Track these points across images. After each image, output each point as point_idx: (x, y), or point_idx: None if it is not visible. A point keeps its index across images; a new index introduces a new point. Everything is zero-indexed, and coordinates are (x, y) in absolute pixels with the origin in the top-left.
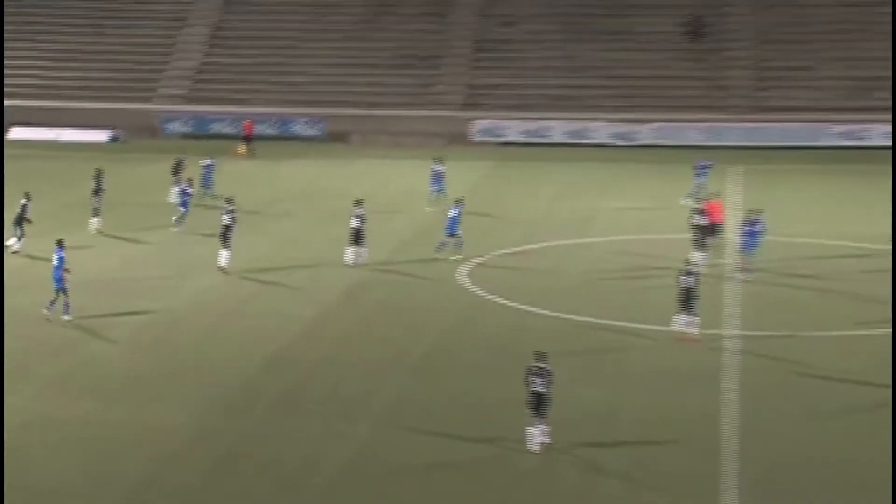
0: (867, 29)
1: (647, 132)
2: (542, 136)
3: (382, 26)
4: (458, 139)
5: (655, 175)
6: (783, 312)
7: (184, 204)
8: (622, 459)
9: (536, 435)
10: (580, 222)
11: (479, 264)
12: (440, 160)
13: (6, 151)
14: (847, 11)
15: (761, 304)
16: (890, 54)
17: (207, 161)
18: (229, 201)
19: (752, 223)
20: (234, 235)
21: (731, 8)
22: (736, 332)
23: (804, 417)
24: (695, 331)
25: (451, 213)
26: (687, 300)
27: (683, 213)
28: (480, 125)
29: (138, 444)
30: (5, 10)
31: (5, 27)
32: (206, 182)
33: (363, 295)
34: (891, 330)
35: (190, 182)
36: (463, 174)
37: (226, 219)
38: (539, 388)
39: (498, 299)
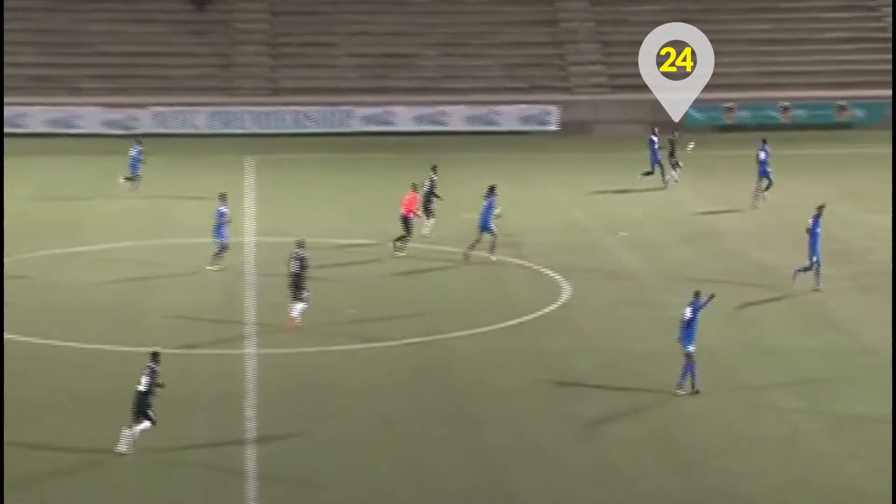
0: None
1: (146, 118)
2: (18, 126)
3: None
4: None
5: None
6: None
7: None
8: None
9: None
10: (66, 227)
11: None
12: None
13: None
14: None
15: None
16: (412, 29)
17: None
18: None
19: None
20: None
21: None
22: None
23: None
24: (297, 315)
25: None
26: (295, 286)
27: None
28: None
29: None
30: None
31: None
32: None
33: None
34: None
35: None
36: None
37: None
38: (142, 387)
39: None
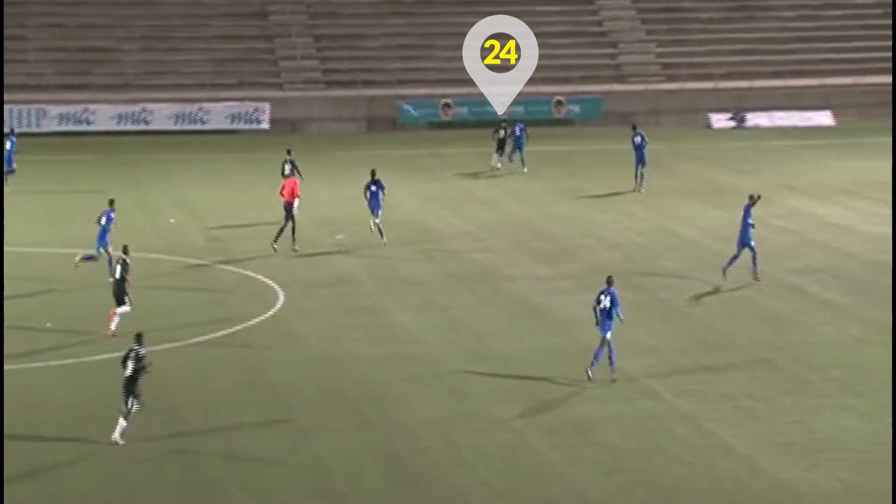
0: None
1: None
2: None
3: None
4: None
5: None
6: None
7: None
8: None
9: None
10: None
11: None
12: None
13: None
14: None
15: None
16: (111, 22)
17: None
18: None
19: None
20: None
21: None
22: None
23: None
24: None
25: None
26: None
27: None
28: None
29: None
30: None
31: None
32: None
33: None
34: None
35: None
36: None
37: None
38: (128, 372)
39: None
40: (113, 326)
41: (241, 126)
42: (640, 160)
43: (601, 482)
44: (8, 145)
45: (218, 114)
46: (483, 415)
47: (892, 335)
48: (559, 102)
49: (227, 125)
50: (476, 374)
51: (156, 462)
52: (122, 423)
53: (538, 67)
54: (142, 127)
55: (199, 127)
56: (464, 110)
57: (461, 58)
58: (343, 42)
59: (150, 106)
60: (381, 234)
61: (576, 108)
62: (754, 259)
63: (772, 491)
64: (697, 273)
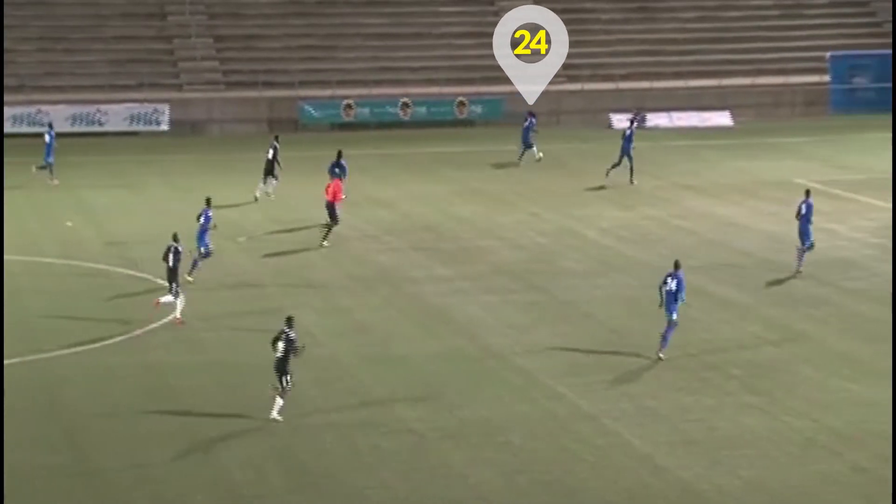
0: None
1: None
2: None
3: None
4: None
5: None
6: None
7: None
8: None
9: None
10: None
11: None
12: None
13: None
14: None
15: None
16: (6, 22)
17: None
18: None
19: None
20: None
21: None
22: None
23: None
24: (177, 312)
25: None
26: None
27: None
28: None
29: None
30: None
31: None
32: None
33: None
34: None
35: None
36: None
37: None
38: (279, 354)
39: None
40: (178, 314)
41: (141, 127)
42: (626, 153)
43: (504, 483)
44: (47, 138)
45: (116, 115)
46: (385, 417)
47: (892, 335)
48: (461, 103)
49: (125, 127)
50: (378, 376)
51: (53, 470)
52: (279, 401)
53: (440, 68)
54: (38, 129)
55: (97, 129)
56: (366, 111)
57: (363, 59)
58: (243, 43)
59: (46, 108)
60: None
61: (478, 109)
62: (804, 254)
63: (672, 489)
64: (599, 273)
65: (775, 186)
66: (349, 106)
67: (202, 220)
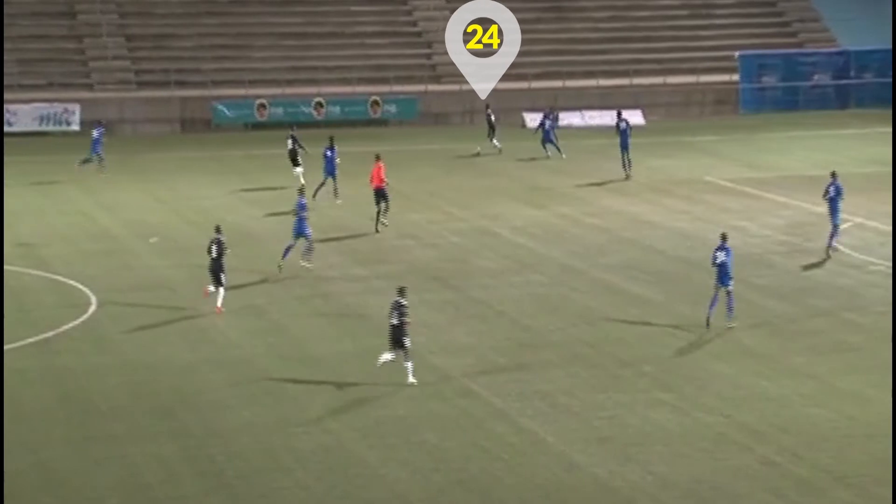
0: None
1: None
2: None
3: None
4: None
5: None
6: None
7: None
8: None
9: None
10: None
11: None
12: None
13: None
14: None
15: None
16: None
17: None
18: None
19: None
20: None
21: None
22: None
23: None
24: (218, 302)
25: None
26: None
27: None
28: None
29: None
30: None
31: None
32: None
33: None
34: None
35: None
36: None
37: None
38: (394, 321)
39: None
40: (219, 303)
41: (51, 128)
42: (625, 146)
43: (420, 482)
44: (95, 134)
45: (26, 115)
46: (300, 417)
47: (892, 335)
48: (375, 103)
49: (35, 127)
50: (293, 376)
51: None
52: (409, 365)
53: (354, 68)
54: None
55: (6, 129)
56: (279, 111)
57: (276, 58)
58: (155, 42)
59: None
60: (336, 194)
61: (392, 109)
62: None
63: (587, 486)
64: (513, 272)
65: (684, 185)
66: (263, 106)
67: (298, 208)
